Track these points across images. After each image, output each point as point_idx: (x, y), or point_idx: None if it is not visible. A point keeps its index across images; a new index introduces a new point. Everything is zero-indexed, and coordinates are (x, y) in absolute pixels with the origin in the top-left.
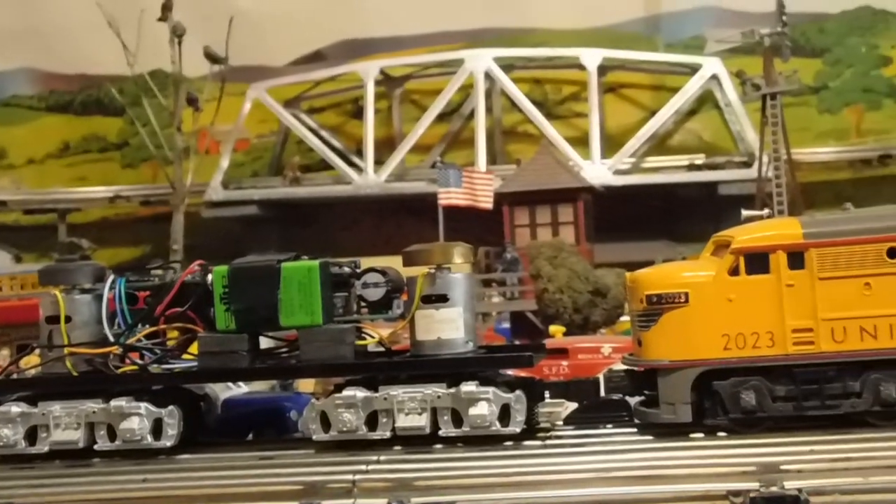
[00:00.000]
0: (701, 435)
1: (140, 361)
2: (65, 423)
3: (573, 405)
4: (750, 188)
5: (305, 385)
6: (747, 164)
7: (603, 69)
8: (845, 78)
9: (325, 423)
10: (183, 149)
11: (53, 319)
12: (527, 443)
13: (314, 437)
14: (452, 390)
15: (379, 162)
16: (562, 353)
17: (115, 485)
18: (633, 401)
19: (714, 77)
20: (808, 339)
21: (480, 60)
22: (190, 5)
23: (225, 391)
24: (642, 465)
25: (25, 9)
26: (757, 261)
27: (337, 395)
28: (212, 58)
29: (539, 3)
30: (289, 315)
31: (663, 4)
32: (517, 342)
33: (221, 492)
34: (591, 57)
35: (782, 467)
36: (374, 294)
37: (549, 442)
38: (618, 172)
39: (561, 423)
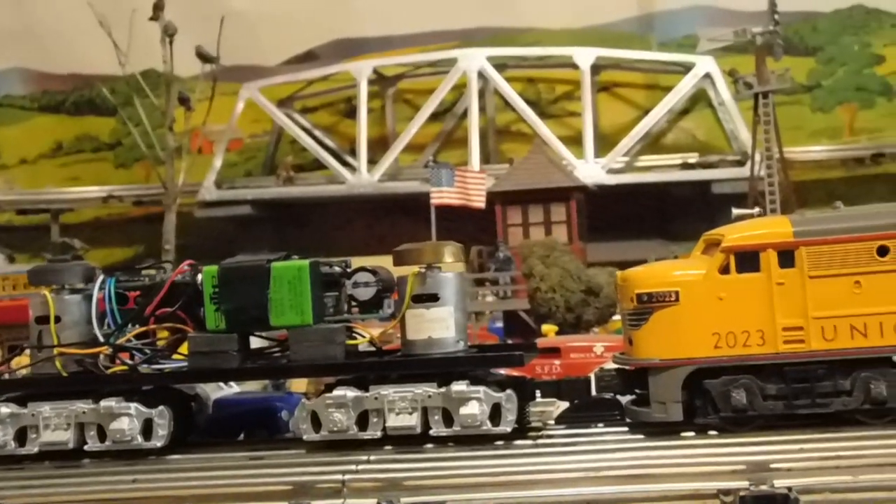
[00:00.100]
0: (692, 434)
1: (130, 362)
2: (54, 423)
3: (565, 404)
4: (743, 187)
5: (298, 385)
6: (740, 163)
7: (596, 68)
8: (838, 76)
9: (316, 422)
10: (175, 148)
11: (43, 320)
12: (518, 442)
13: (304, 437)
14: (443, 390)
15: (372, 161)
16: (554, 352)
17: (104, 485)
18: (624, 400)
19: (707, 76)
20: (798, 338)
21: (473, 60)
22: (182, 5)
23: (216, 391)
24: (633, 465)
25: (17, 9)
26: (747, 259)
27: (327, 394)
28: (203, 57)
29: (533, 2)
30: (279, 315)
31: (657, 3)
32: (510, 341)
33: (211, 492)
34: (585, 56)
35: (772, 466)
36: (365, 293)
37: (539, 441)
38: (611, 171)
39: (552, 422)
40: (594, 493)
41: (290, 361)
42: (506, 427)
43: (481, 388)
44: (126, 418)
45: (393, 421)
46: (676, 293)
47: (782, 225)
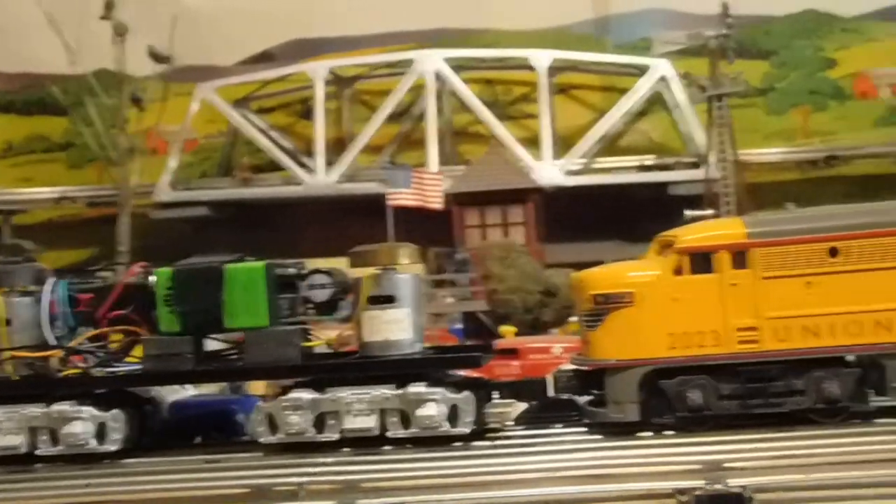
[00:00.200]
0: (649, 433)
1: (83, 365)
2: (6, 428)
3: (523, 405)
4: (699, 189)
5: (256, 387)
6: (696, 165)
7: (553, 70)
8: (791, 80)
9: (273, 425)
10: (128, 149)
11: None
12: (476, 443)
13: (261, 440)
14: (401, 391)
15: (331, 163)
16: (512, 353)
17: (57, 490)
18: (581, 400)
19: (663, 78)
20: (752, 338)
21: (430, 61)
22: (136, 3)
23: (172, 394)
24: (590, 465)
25: None
26: (701, 260)
27: (284, 397)
28: (156, 57)
29: (491, 4)
30: (233, 317)
31: (612, 6)
32: (468, 343)
33: (167, 496)
34: (541, 58)
35: (727, 465)
36: (321, 295)
37: (498, 442)
38: (569, 173)
39: (511, 423)
40: (552, 493)
41: (246, 364)
42: (464, 428)
43: (439, 390)
44: (79, 422)
45: (350, 423)
46: (631, 294)
47: (736, 226)
